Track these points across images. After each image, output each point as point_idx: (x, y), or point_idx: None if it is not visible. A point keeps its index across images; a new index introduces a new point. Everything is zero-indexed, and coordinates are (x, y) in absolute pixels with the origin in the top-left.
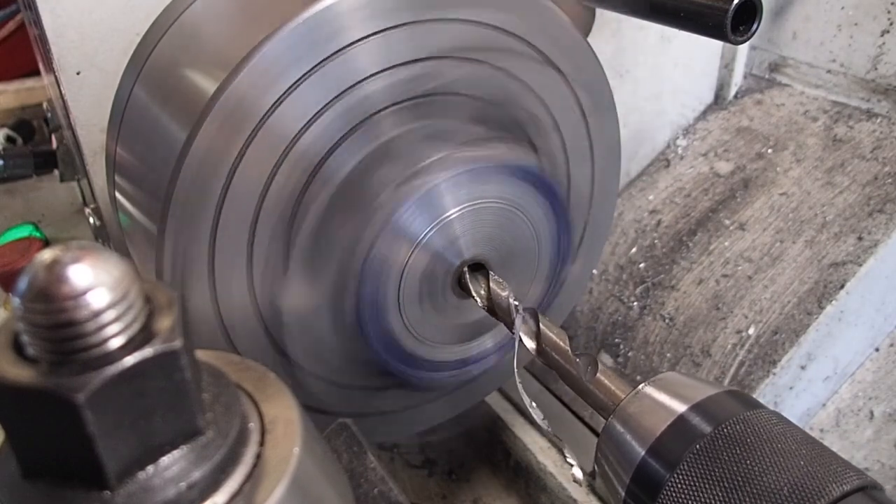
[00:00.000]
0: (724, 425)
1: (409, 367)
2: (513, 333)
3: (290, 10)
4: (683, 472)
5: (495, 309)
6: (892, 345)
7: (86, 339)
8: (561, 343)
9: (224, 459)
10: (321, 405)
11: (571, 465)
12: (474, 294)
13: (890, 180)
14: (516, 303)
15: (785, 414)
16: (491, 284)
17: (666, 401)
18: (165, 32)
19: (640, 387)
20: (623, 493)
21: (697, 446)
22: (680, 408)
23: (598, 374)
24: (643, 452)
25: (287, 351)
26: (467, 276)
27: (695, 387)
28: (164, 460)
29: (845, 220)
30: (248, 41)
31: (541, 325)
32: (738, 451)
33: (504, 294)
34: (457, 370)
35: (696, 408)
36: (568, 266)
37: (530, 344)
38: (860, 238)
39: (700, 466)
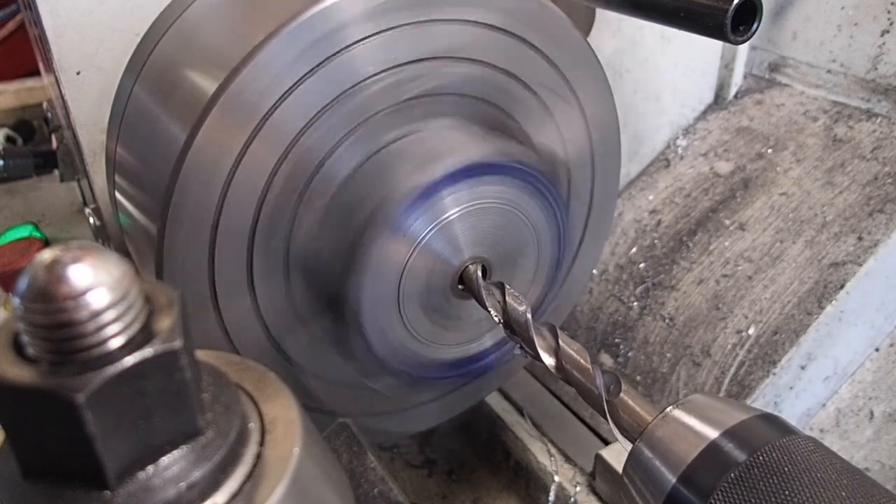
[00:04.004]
0: (759, 453)
1: (409, 367)
2: (527, 350)
3: (290, 10)
4: (718, 503)
5: (511, 323)
6: (892, 345)
7: (86, 339)
8: (581, 361)
9: (224, 459)
10: (321, 405)
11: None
12: (489, 308)
13: (890, 180)
14: (528, 313)
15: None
16: (507, 298)
17: (696, 425)
18: (165, 32)
19: (668, 410)
20: None
21: (732, 475)
22: (711, 433)
23: (621, 395)
24: (674, 480)
25: (287, 351)
26: (482, 289)
27: (725, 410)
28: (164, 460)
29: (845, 220)
30: (248, 41)
31: (560, 341)
32: (776, 481)
33: (521, 309)
34: (457, 370)
35: (729, 434)
36: (568, 266)
37: (549, 361)
38: (860, 238)
39: (735, 497)
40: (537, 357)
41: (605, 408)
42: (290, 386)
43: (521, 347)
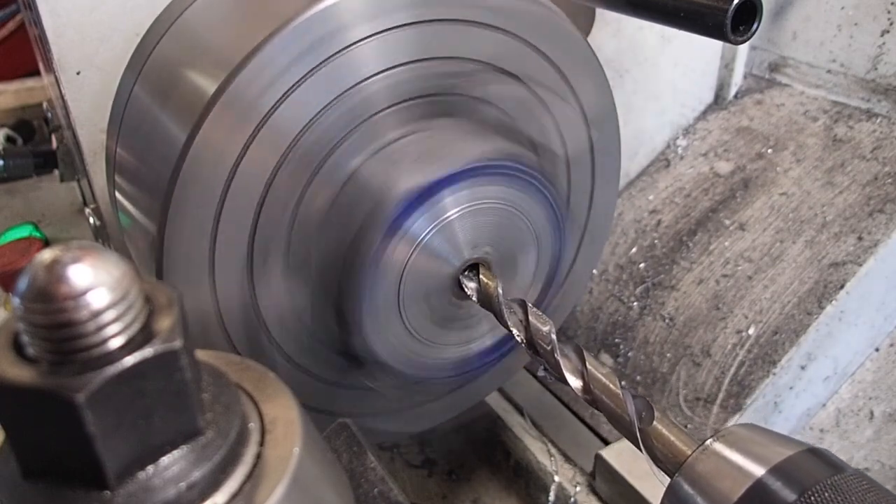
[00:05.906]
0: (810, 493)
1: (409, 367)
2: (552, 372)
3: (291, 9)
4: None
5: (534, 344)
6: (892, 345)
7: (86, 339)
8: (611, 385)
9: (224, 459)
10: (320, 405)
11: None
12: (511, 327)
13: (890, 180)
14: (553, 334)
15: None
16: (530, 317)
17: (740, 461)
18: (165, 32)
19: (708, 442)
20: None
21: None
22: (757, 471)
23: (654, 423)
24: None
25: (287, 350)
26: (503, 306)
27: (769, 445)
28: (164, 460)
29: (845, 220)
30: (248, 41)
31: (587, 364)
32: None
33: (545, 329)
34: (457, 370)
35: (776, 471)
36: (568, 266)
37: (576, 384)
38: (860, 238)
39: None
40: (563, 380)
41: (639, 436)
42: (289, 385)
43: (545, 369)
